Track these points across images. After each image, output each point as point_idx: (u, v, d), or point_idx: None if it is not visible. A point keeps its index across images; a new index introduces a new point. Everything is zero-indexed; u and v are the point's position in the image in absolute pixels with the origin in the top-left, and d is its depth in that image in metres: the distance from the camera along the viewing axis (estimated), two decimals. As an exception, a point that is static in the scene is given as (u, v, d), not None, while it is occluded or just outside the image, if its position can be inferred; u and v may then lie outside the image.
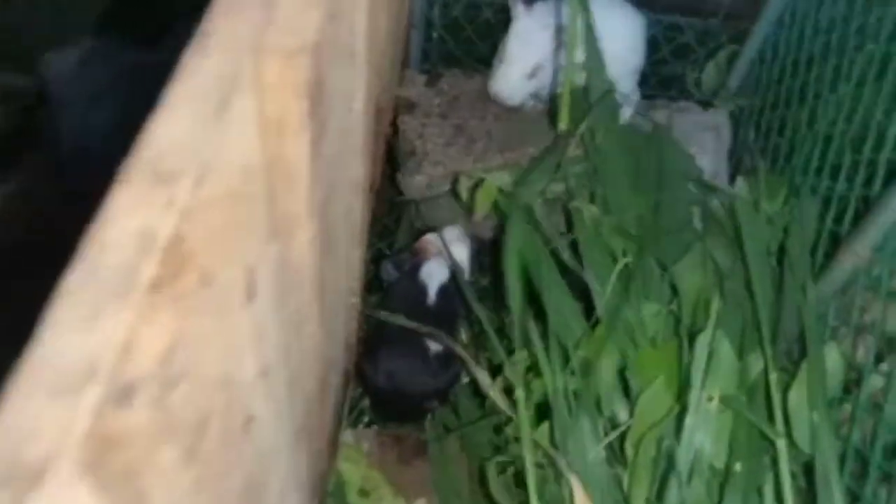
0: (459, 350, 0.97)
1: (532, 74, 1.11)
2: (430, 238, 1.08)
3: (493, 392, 0.91)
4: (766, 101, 1.16)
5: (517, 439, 0.88)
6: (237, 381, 0.32)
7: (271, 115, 0.37)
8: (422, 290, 1.02)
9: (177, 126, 0.30)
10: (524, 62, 1.10)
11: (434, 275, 1.04)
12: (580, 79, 1.11)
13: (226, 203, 0.29)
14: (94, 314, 0.24)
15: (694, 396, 0.75)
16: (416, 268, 1.04)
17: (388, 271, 1.07)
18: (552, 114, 1.10)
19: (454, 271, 1.04)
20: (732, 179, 1.21)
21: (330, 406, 0.83)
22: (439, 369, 1.01)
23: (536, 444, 0.84)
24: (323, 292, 0.56)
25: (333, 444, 0.95)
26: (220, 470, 0.32)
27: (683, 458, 0.73)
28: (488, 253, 1.30)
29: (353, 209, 0.74)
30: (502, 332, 1.02)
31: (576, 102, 1.06)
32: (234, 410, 0.33)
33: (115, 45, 1.20)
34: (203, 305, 0.27)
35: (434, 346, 1.01)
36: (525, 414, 0.84)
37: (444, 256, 1.05)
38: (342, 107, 0.53)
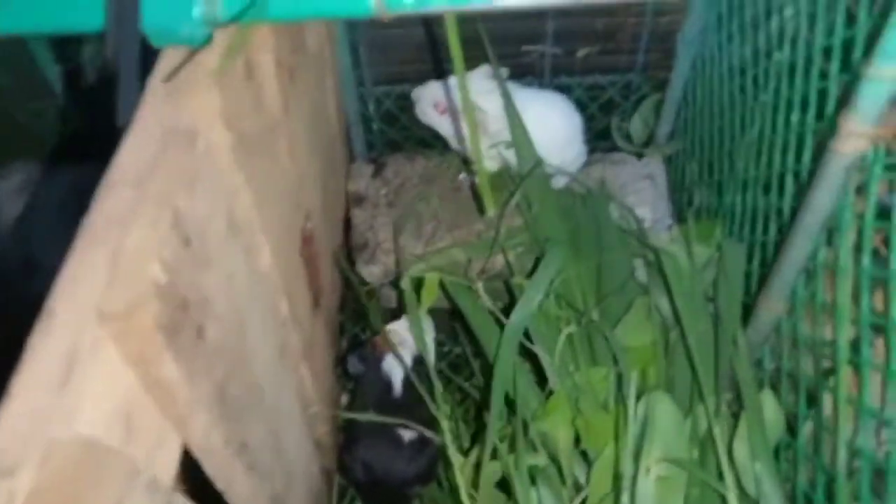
0: (431, 435, 1.02)
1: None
2: (392, 328, 1.13)
3: (459, 477, 0.95)
4: (694, 144, 1.20)
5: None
6: None
7: (130, 358, 0.43)
8: (387, 383, 1.08)
9: (18, 417, 0.36)
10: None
11: (396, 367, 1.09)
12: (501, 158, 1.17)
13: (70, 476, 0.35)
14: None
15: (627, 466, 0.79)
16: (378, 361, 1.10)
17: (355, 364, 1.12)
18: (477, 200, 1.16)
19: (417, 361, 1.09)
20: (680, 218, 1.25)
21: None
22: (415, 455, 1.06)
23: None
24: (243, 449, 0.61)
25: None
26: None
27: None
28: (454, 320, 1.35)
29: (288, 340, 0.80)
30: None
31: (503, 178, 1.11)
32: None
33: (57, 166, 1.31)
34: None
35: (408, 434, 1.06)
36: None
37: (406, 345, 1.10)
38: (234, 287, 0.58)
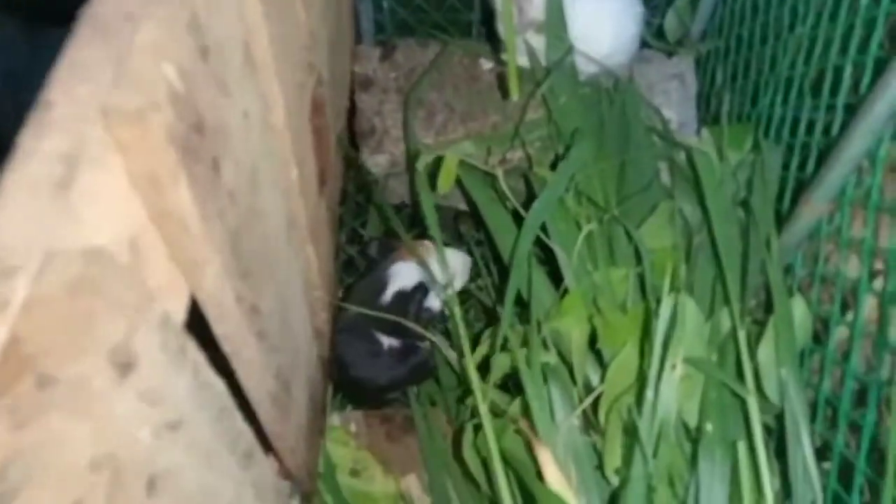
0: (425, 333, 0.98)
1: None
2: (426, 244, 1.04)
3: (466, 364, 0.91)
4: (730, 45, 1.12)
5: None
6: (123, 454, 0.32)
7: (139, 175, 0.36)
8: (381, 286, 1.02)
9: (11, 218, 0.29)
10: None
11: (397, 277, 1.02)
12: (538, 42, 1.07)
13: (71, 291, 0.29)
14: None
15: (654, 362, 0.75)
16: (386, 263, 1.03)
17: (372, 251, 1.07)
18: (502, 85, 1.08)
19: (417, 288, 1.02)
20: (702, 127, 1.19)
21: (302, 402, 0.84)
22: (392, 363, 1.02)
23: (511, 418, 0.85)
24: (254, 312, 0.55)
25: (315, 434, 0.96)
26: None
27: (645, 425, 0.73)
28: (464, 222, 1.30)
29: (296, 213, 0.73)
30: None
31: (534, 66, 1.03)
32: (125, 482, 0.33)
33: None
34: (45, 408, 0.26)
35: (388, 341, 1.02)
36: (475, 375, 0.84)
37: (423, 266, 1.01)
38: (249, 130, 0.51)
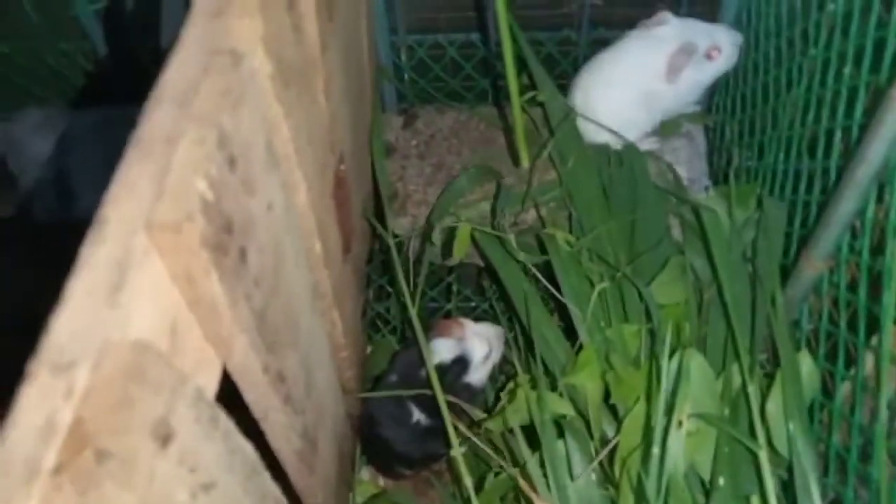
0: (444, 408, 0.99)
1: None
2: (461, 322, 1.08)
3: (486, 425, 0.95)
4: (735, 103, 1.17)
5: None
6: (163, 514, 0.38)
7: (176, 273, 0.42)
8: (420, 360, 1.04)
9: (73, 318, 0.35)
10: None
11: (436, 353, 1.04)
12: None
13: (121, 378, 0.35)
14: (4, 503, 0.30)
15: (659, 421, 0.78)
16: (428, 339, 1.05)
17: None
18: (513, 151, 1.14)
19: (457, 361, 1.05)
20: (715, 181, 1.23)
21: (330, 458, 0.89)
22: (414, 437, 1.05)
23: (524, 473, 0.88)
24: (279, 380, 0.61)
25: (343, 487, 1.00)
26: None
27: (652, 481, 0.76)
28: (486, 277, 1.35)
29: (321, 282, 0.79)
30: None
31: (536, 132, 1.09)
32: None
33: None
34: (103, 477, 0.32)
35: (417, 415, 1.05)
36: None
37: (461, 343, 1.05)
38: (273, 218, 0.58)
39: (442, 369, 1.01)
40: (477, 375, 1.06)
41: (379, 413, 1.06)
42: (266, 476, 0.59)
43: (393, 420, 1.05)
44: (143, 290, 0.39)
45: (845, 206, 0.73)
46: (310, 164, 0.72)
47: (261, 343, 0.55)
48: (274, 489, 0.61)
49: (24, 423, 0.32)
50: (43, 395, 0.33)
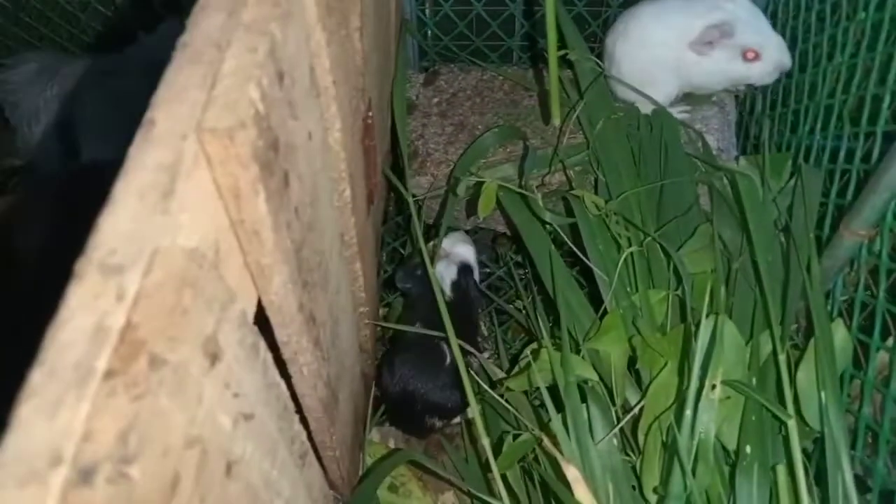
0: (471, 350, 0.99)
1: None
2: (444, 244, 1.11)
3: (507, 384, 0.93)
4: (769, 73, 1.13)
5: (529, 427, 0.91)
6: (208, 437, 0.35)
7: (224, 186, 0.40)
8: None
9: (122, 220, 0.33)
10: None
11: (444, 276, 1.06)
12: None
13: (174, 285, 0.32)
14: (55, 409, 0.28)
15: (693, 384, 0.76)
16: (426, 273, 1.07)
17: (402, 279, 1.09)
18: (542, 111, 1.11)
19: (463, 269, 1.07)
20: (743, 153, 1.20)
21: (347, 414, 0.87)
22: (451, 386, 1.04)
23: (548, 432, 0.86)
24: (311, 321, 0.59)
25: (356, 447, 0.99)
26: (200, 518, 0.35)
27: (684, 445, 0.74)
28: (502, 244, 1.32)
29: (348, 229, 0.77)
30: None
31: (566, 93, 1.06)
32: (210, 463, 0.36)
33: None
34: (156, 386, 0.30)
35: (450, 356, 1.03)
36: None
37: (450, 258, 1.07)
38: (311, 149, 0.55)
39: (460, 286, 1.06)
40: (477, 274, 1.13)
41: (408, 367, 1.04)
42: (296, 419, 0.56)
43: (426, 368, 1.03)
44: (193, 199, 0.37)
45: (894, 172, 0.70)
46: (344, 104, 0.69)
47: (298, 278, 0.53)
48: (302, 433, 0.59)
49: (73, 324, 0.30)
50: (93, 296, 0.30)
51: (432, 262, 1.06)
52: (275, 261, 0.46)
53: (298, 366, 0.59)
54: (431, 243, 1.11)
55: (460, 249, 1.10)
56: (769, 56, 1.05)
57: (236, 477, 0.40)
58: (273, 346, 0.54)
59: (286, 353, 0.57)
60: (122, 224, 0.33)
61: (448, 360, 1.03)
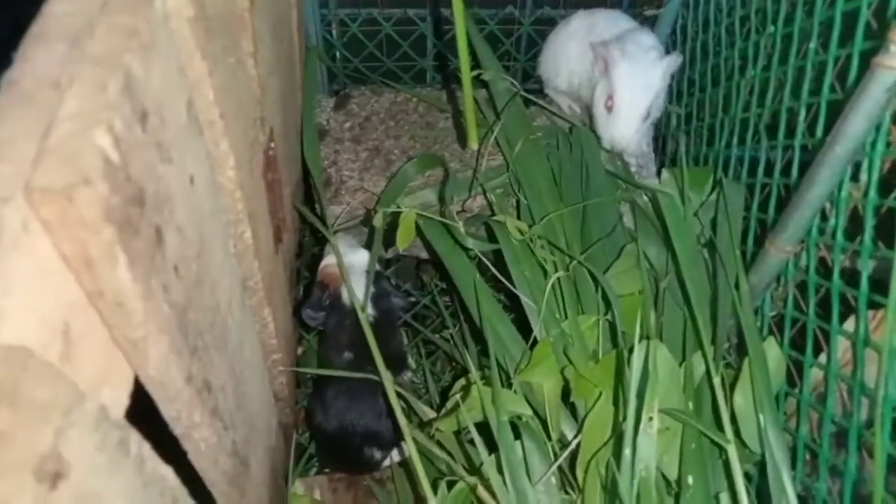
0: (403, 381, 0.94)
1: (646, 115, 1.02)
2: (329, 262, 1.03)
3: (437, 426, 0.87)
4: (683, 86, 1.13)
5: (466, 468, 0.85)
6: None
7: (70, 255, 0.32)
8: (353, 312, 0.97)
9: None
10: (637, 106, 1.01)
11: (357, 291, 0.98)
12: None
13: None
14: None
15: (630, 415, 0.72)
16: (336, 297, 1.00)
17: (310, 316, 1.02)
18: (459, 133, 1.06)
19: (375, 277, 0.99)
20: (660, 170, 1.19)
21: (262, 476, 0.78)
22: (389, 414, 0.97)
23: (481, 476, 0.81)
24: (206, 390, 0.51)
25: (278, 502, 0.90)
26: None
27: (625, 485, 0.70)
28: (426, 271, 1.27)
29: (252, 274, 0.69)
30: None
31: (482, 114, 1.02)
32: None
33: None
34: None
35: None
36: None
37: (353, 270, 0.99)
38: (195, 194, 0.48)
39: (378, 297, 1.01)
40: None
41: (342, 399, 0.97)
42: (191, 505, 0.49)
43: (361, 398, 0.97)
44: (21, 278, 0.29)
45: (820, 186, 0.69)
46: (238, 138, 0.62)
47: (184, 345, 0.45)
48: (201, 520, 0.51)
49: None
50: None
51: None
52: (148, 332, 0.39)
53: (194, 442, 0.51)
54: (327, 259, 1.04)
55: (359, 257, 1.02)
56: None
57: None
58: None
59: (177, 430, 0.49)
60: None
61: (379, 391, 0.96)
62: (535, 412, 0.87)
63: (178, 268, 0.44)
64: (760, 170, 0.90)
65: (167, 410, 0.47)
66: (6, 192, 0.29)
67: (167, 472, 0.43)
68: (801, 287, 0.80)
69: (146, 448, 0.39)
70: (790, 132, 0.82)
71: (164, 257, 0.41)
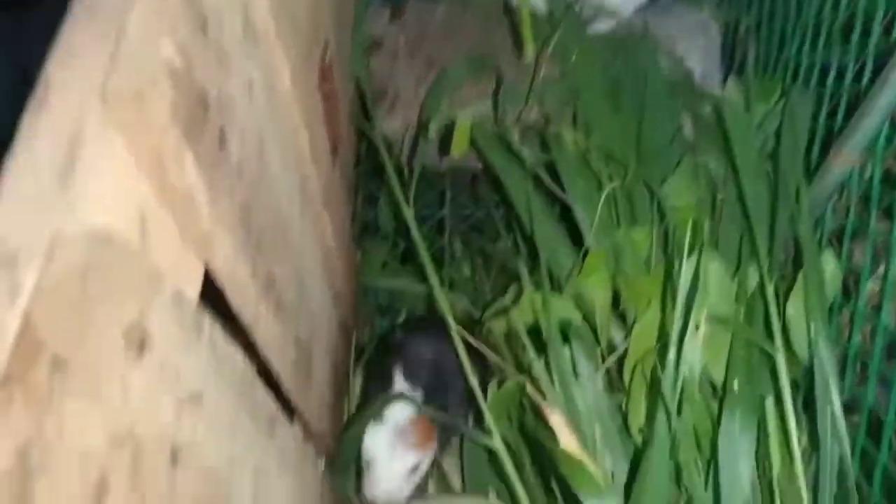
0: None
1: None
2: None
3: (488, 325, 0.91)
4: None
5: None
6: (142, 431, 0.33)
7: (142, 154, 0.35)
8: None
9: (14, 202, 0.29)
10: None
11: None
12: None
13: (80, 274, 0.29)
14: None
15: (677, 322, 0.73)
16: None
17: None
18: (516, 43, 1.05)
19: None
20: (726, 80, 1.15)
21: (325, 371, 0.85)
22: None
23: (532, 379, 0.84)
24: (270, 285, 0.55)
25: (339, 400, 0.97)
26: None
27: (668, 384, 0.72)
28: (481, 184, 1.28)
29: (309, 181, 0.73)
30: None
31: (539, 24, 1.00)
32: (148, 457, 0.33)
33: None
34: (61, 390, 0.27)
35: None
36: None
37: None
38: (254, 99, 0.51)
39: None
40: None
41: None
42: (259, 386, 0.54)
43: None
44: (101, 173, 0.33)
45: (890, 93, 0.66)
46: (293, 47, 0.64)
47: (248, 242, 0.49)
48: (268, 400, 0.56)
49: (-40, 329, 0.26)
50: (-18, 294, 0.27)
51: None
52: (216, 230, 0.43)
53: (261, 332, 0.56)
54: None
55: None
56: None
57: (186, 464, 0.38)
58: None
59: (244, 321, 0.54)
60: (13, 207, 0.29)
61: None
62: (585, 319, 0.89)
63: (240, 168, 0.47)
64: (831, 77, 0.86)
65: (235, 303, 0.51)
66: (83, 95, 0.32)
67: (236, 353, 0.48)
68: (864, 199, 0.78)
69: (217, 331, 0.44)
70: (865, 35, 0.77)
71: (228, 158, 0.44)
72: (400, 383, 0.90)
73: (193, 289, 0.42)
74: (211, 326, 0.42)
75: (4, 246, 0.28)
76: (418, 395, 0.89)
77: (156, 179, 0.37)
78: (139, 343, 0.33)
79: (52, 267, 0.28)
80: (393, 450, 0.84)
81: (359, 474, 0.88)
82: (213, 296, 0.46)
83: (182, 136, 0.36)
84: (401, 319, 1.17)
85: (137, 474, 0.32)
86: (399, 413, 0.86)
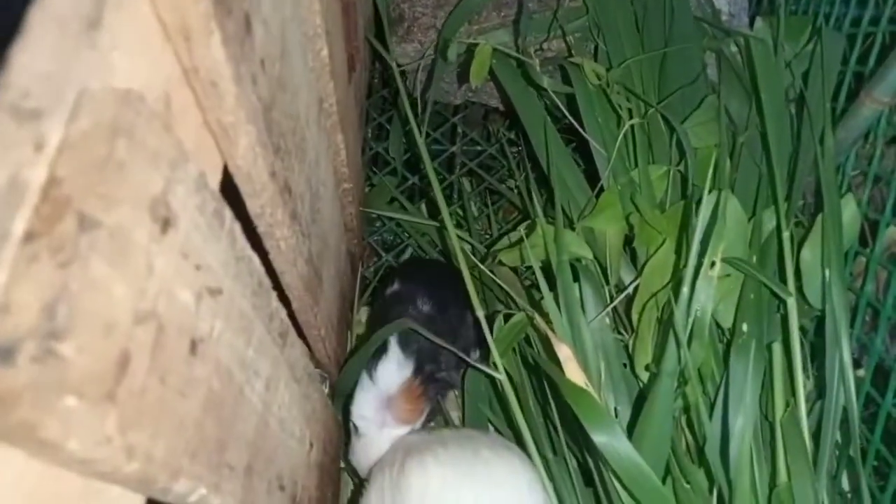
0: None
1: None
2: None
3: (500, 257, 0.90)
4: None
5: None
6: (164, 313, 0.31)
7: (170, 24, 0.33)
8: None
9: (39, 55, 0.27)
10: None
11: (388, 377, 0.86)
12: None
13: (106, 133, 0.27)
14: (-33, 276, 0.23)
15: (692, 260, 0.72)
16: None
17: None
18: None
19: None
20: (754, 19, 1.11)
21: (332, 293, 0.84)
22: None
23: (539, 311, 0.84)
24: (287, 191, 0.54)
25: (344, 326, 0.97)
26: (162, 398, 0.32)
27: (681, 321, 0.72)
28: (494, 121, 1.26)
29: (327, 95, 0.70)
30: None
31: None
32: (168, 340, 0.32)
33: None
34: (87, 251, 0.25)
35: None
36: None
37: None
38: (279, -9, 0.48)
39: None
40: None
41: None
42: (273, 296, 0.53)
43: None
44: (127, 36, 0.31)
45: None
46: (317, -53, 0.61)
47: (268, 141, 0.47)
48: (281, 311, 0.55)
49: (-18, 180, 0.25)
50: (4, 146, 0.25)
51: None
52: (239, 119, 0.41)
53: (275, 240, 0.55)
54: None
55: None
56: None
57: (203, 356, 0.37)
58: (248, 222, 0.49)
59: (261, 227, 0.52)
60: (38, 60, 0.27)
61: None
62: (596, 257, 0.88)
63: (264, 62, 0.45)
64: (866, 19, 0.83)
65: (252, 205, 0.50)
66: (112, -54, 0.30)
67: (253, 256, 0.46)
68: (890, 143, 0.76)
69: (237, 227, 0.42)
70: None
71: (253, 47, 0.42)
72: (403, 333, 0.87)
73: (214, 178, 0.40)
74: (232, 220, 0.40)
75: (27, 101, 0.26)
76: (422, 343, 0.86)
77: (183, 55, 0.35)
78: (163, 219, 0.31)
79: (78, 122, 0.26)
80: (381, 418, 0.83)
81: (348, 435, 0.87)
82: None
83: (212, 9, 0.34)
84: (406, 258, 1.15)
85: (158, 354, 0.31)
86: (390, 378, 0.84)
